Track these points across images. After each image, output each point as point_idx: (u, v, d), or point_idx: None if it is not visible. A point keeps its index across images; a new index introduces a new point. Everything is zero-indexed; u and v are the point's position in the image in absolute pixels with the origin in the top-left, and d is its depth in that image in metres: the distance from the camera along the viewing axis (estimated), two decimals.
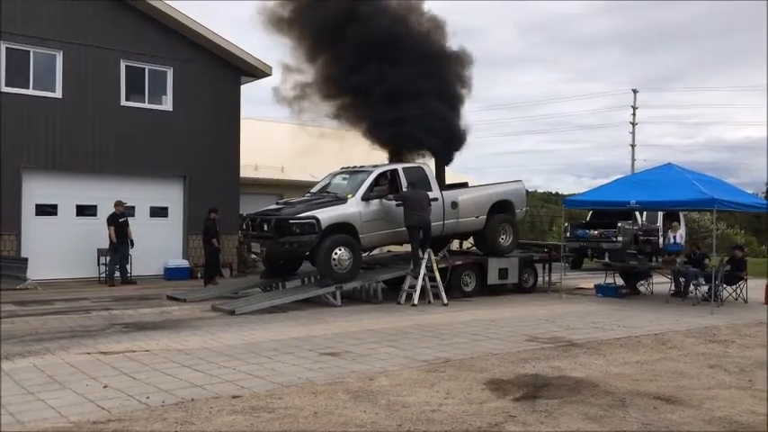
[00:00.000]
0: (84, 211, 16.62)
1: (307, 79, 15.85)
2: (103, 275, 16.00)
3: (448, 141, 15.55)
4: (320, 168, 18.26)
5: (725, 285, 14.16)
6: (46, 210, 16.17)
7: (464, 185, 16.09)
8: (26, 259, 15.16)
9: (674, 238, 18.97)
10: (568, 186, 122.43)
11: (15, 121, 15.39)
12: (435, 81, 15.45)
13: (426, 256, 12.98)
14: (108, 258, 15.89)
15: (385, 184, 13.57)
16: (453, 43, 16.30)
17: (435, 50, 15.89)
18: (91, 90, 16.38)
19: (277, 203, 14.59)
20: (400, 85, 14.50)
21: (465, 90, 16.39)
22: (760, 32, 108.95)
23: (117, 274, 15.82)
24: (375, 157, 15.99)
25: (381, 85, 14.53)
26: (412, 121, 14.58)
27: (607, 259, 20.29)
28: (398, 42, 14.88)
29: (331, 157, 17.49)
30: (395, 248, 16.24)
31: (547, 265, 16.38)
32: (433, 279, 13.01)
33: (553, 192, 64.62)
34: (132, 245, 16.01)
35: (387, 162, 15.34)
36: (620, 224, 21.28)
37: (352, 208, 12.94)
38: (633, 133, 45.32)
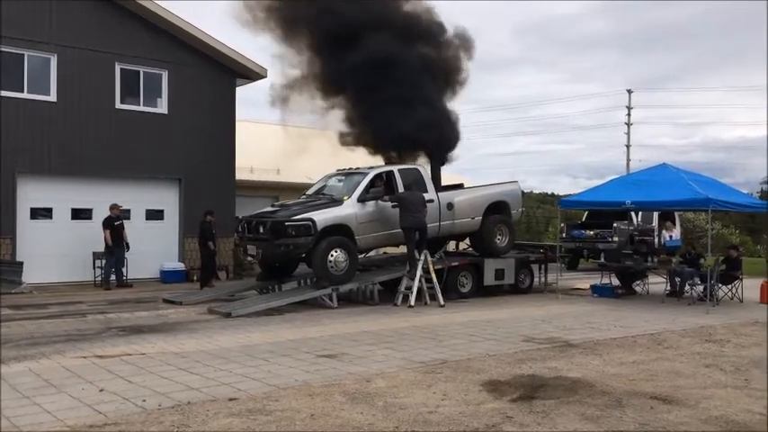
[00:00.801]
0: (80, 214, 16.56)
1: (298, 74, 15.82)
2: (99, 279, 15.96)
3: (442, 140, 15.45)
4: (316, 170, 18.27)
5: (720, 285, 14.20)
6: (41, 213, 16.11)
7: (460, 187, 16.10)
8: (21, 263, 15.11)
9: (670, 237, 19.09)
10: (564, 187, 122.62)
11: (10, 125, 15.33)
12: (427, 71, 15.33)
13: (422, 257, 12.98)
14: (104, 262, 15.84)
15: (381, 185, 13.56)
16: (449, 29, 16.13)
17: (424, 34, 15.73)
18: (86, 93, 16.33)
19: (273, 206, 14.60)
20: (389, 79, 14.35)
21: (461, 78, 16.32)
22: (755, 33, 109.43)
23: (113, 277, 15.76)
24: (371, 158, 15.98)
25: (369, 79, 14.36)
26: (404, 120, 14.47)
27: (603, 259, 20.38)
28: (383, 28, 14.63)
29: (327, 158, 17.49)
30: (391, 250, 16.24)
31: (543, 266, 16.39)
32: (429, 280, 13.02)
33: (549, 193, 64.78)
34: (128, 248, 15.96)
35: (382, 164, 15.33)
36: (615, 224, 21.39)
37: (348, 210, 12.93)
38: (628, 134, 45.48)
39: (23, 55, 15.65)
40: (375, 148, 15.68)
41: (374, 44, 14.21)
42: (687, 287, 14.48)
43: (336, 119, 16.06)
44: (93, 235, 15.85)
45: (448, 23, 16.05)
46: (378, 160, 15.72)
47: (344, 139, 15.88)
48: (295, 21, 15.04)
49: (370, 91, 14.57)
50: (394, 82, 14.42)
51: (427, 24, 15.82)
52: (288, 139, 17.24)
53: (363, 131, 15.44)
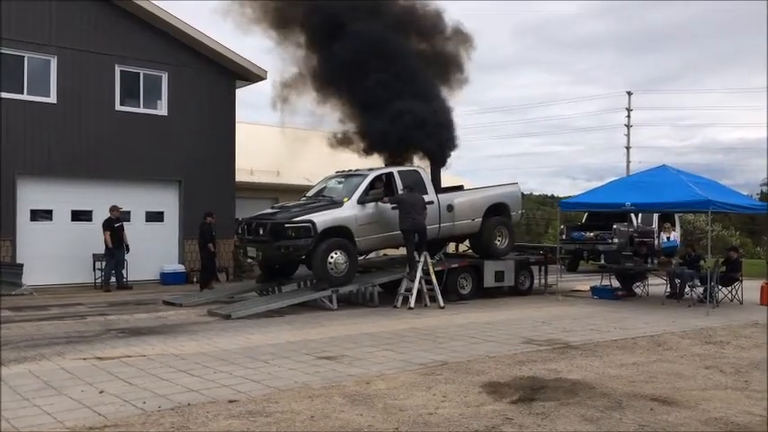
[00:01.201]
0: (80, 216, 16.56)
1: (296, 72, 15.82)
2: (99, 280, 15.96)
3: (441, 141, 15.42)
4: (315, 172, 18.27)
5: (720, 287, 14.19)
6: (41, 215, 16.11)
7: (460, 188, 16.10)
8: (21, 265, 15.10)
9: (668, 238, 19.10)
10: (564, 189, 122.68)
11: (10, 127, 15.34)
12: (426, 68, 15.29)
13: (422, 259, 12.98)
14: (104, 263, 15.84)
15: (380, 187, 13.56)
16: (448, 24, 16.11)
17: (422, 28, 15.67)
18: (86, 95, 16.33)
19: (273, 207, 14.59)
20: (387, 76, 14.32)
21: (462, 78, 16.30)
22: (754, 34, 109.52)
23: (113, 279, 15.76)
24: (370, 160, 15.99)
25: (365, 76, 14.32)
26: (402, 121, 14.44)
27: (603, 261, 20.38)
28: (378, 21, 14.61)
29: (326, 160, 17.51)
30: (391, 252, 16.24)
31: (543, 268, 16.39)
32: (429, 282, 13.02)
33: (549, 194, 64.72)
34: (128, 250, 15.96)
35: (382, 165, 15.33)
36: (615, 226, 21.38)
37: (348, 211, 12.93)
38: (628, 135, 45.41)
39: (23, 57, 15.66)
40: (372, 149, 15.65)
41: (369, 35, 14.18)
42: (687, 289, 14.48)
43: (335, 119, 16.13)
44: (93, 237, 15.84)
45: (446, 20, 16.09)
46: (376, 161, 15.72)
47: (337, 140, 15.87)
48: (288, 19, 15.04)
49: (366, 89, 14.52)
50: (392, 79, 14.40)
51: (424, 18, 15.81)
52: (287, 140, 17.25)
53: (361, 132, 15.42)
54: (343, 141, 15.88)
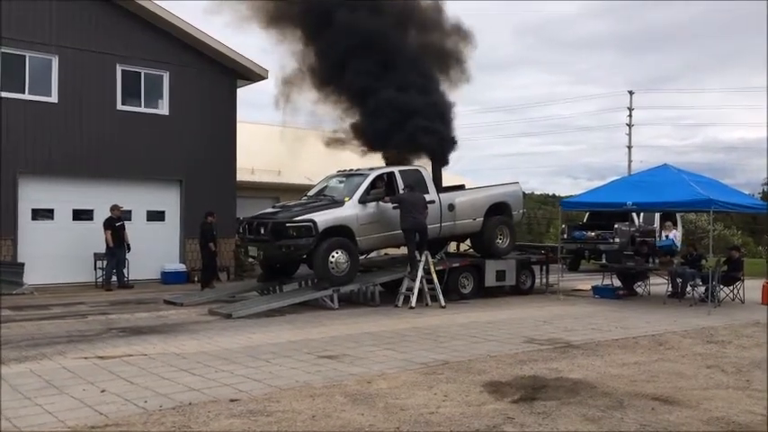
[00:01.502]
0: (81, 215, 16.57)
1: (296, 68, 15.82)
2: (100, 280, 15.96)
3: (442, 139, 15.38)
4: (317, 172, 18.26)
5: (722, 286, 14.17)
6: (42, 214, 16.11)
7: (461, 188, 16.09)
8: (22, 264, 15.11)
9: (667, 236, 19.08)
10: (565, 188, 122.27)
11: (11, 126, 15.36)
12: (427, 65, 15.29)
13: (423, 258, 12.97)
14: (105, 263, 15.85)
15: (382, 186, 13.56)
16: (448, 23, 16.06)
17: (421, 24, 15.67)
18: (87, 94, 16.34)
19: (274, 207, 14.60)
20: (386, 72, 14.30)
21: (464, 77, 16.31)
22: (754, 34, 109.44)
23: (114, 278, 15.77)
24: (371, 159, 15.97)
25: (365, 73, 14.31)
26: (401, 115, 14.41)
27: (604, 260, 20.36)
28: (378, 16, 14.58)
29: (327, 160, 17.49)
30: (392, 251, 16.24)
31: (544, 267, 16.38)
32: (430, 281, 13.01)
33: (550, 194, 64.64)
34: (129, 249, 15.97)
35: (382, 164, 15.32)
36: (616, 225, 21.37)
37: (349, 211, 12.93)
38: (630, 135, 45.33)
39: (24, 56, 15.67)
40: (371, 146, 15.62)
41: (367, 30, 14.16)
42: (689, 288, 14.47)
43: (335, 119, 16.10)
44: (95, 236, 15.85)
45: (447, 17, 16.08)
46: (377, 160, 15.70)
47: (335, 140, 15.86)
48: (284, 16, 15.04)
49: (364, 85, 14.48)
50: (390, 74, 14.38)
51: (424, 15, 15.79)
52: (288, 140, 17.25)
53: (360, 129, 15.40)
54: (341, 140, 15.85)
